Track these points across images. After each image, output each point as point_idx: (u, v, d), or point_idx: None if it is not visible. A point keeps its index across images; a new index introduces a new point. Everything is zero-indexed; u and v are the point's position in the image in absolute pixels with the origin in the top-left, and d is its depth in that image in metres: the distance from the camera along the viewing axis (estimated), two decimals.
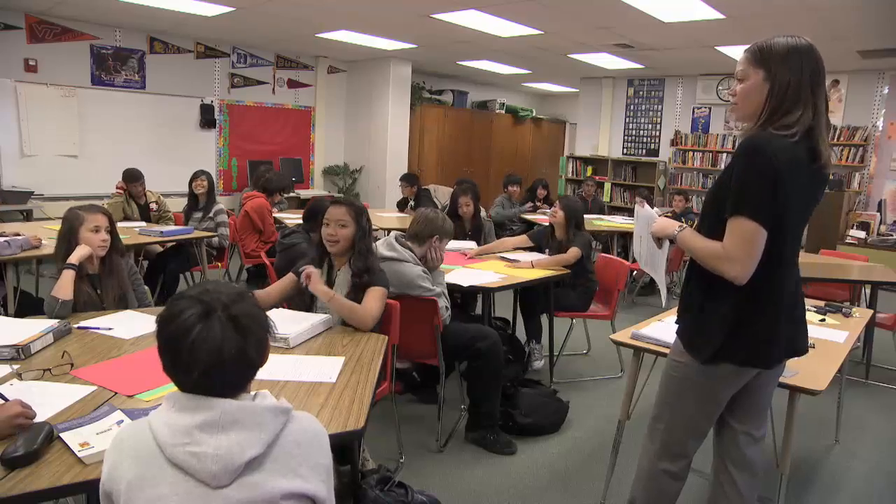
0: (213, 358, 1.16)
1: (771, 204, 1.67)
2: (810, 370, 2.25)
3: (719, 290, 1.78)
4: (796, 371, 2.20)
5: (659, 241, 2.01)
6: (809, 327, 2.83)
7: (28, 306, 3.75)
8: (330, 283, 2.78)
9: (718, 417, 2.05)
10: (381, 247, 3.21)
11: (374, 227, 6.04)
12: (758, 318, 1.79)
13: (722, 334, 1.80)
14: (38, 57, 7.04)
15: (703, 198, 9.23)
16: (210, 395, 1.17)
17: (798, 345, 1.93)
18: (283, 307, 2.86)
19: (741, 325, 1.79)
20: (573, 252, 4.17)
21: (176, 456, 1.13)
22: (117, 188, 5.65)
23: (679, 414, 2.00)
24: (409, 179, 7.23)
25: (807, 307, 3.15)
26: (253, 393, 1.24)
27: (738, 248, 1.70)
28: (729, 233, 1.72)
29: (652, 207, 7.20)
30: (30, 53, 7.00)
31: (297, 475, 1.20)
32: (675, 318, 2.78)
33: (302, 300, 2.80)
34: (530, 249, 4.53)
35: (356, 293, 2.69)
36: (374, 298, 2.66)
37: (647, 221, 2.07)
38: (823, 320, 3.12)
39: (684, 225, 1.91)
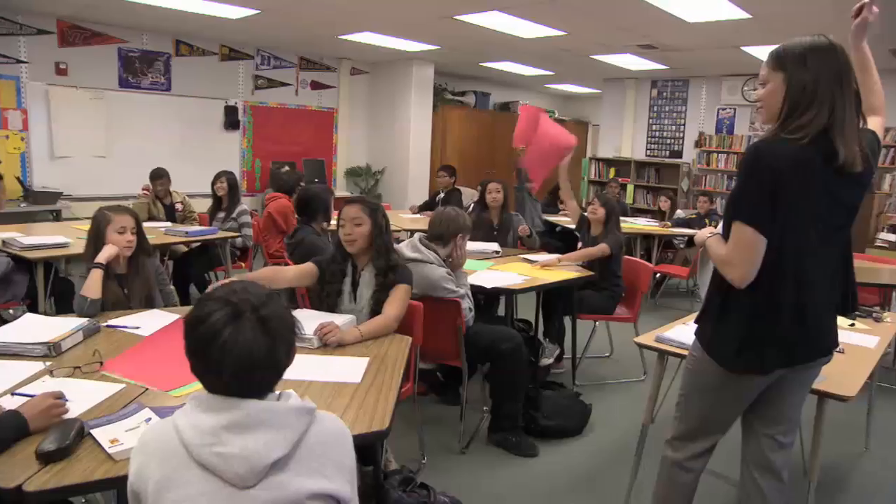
0: (243, 360, 1.16)
1: (768, 209, 1.69)
2: (839, 376, 2.21)
3: (735, 295, 1.80)
4: (824, 377, 2.17)
5: (701, 249, 2.07)
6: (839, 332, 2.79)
7: (66, 293, 3.91)
8: (355, 283, 2.78)
9: (745, 420, 2.05)
10: (405, 248, 3.21)
11: (396, 228, 6.07)
12: (764, 324, 1.80)
13: (736, 340, 1.82)
14: (68, 60, 7.18)
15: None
16: (239, 397, 1.18)
17: (814, 352, 1.92)
18: (306, 306, 2.88)
19: (754, 331, 1.80)
20: (601, 247, 4.16)
21: (202, 456, 1.14)
22: (143, 189, 5.73)
23: (693, 407, 2.05)
24: (449, 170, 7.21)
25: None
26: (278, 393, 1.25)
27: (736, 253, 1.75)
28: (730, 238, 1.77)
29: (675, 210, 7.11)
30: (60, 57, 7.14)
31: (322, 475, 1.21)
32: None
33: (325, 302, 2.80)
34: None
35: (382, 292, 2.70)
36: (396, 299, 2.66)
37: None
38: (853, 325, 3.07)
39: (717, 232, 1.92)
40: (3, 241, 4.05)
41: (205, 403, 1.18)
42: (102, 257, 2.71)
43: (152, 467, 1.17)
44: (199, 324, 1.19)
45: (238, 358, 1.16)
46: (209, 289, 1.59)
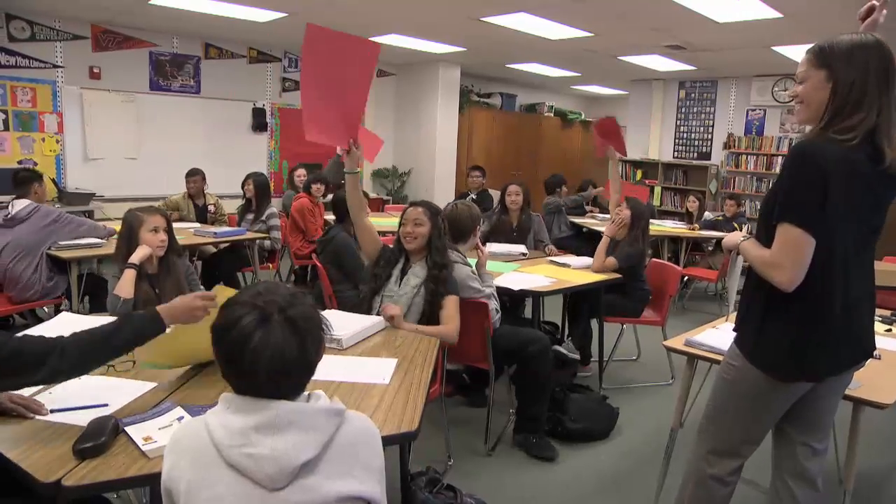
0: (276, 363, 1.17)
1: (818, 211, 1.64)
2: (876, 382, 2.16)
3: (779, 300, 1.75)
4: (860, 383, 2.12)
5: (730, 253, 2.01)
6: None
7: (97, 290, 4.03)
8: (404, 272, 2.94)
9: (777, 427, 2.00)
10: None
11: None
12: (815, 328, 1.75)
13: (785, 346, 1.77)
14: (101, 64, 7.32)
15: (756, 202, 8.95)
16: (271, 398, 1.18)
17: (858, 354, 1.88)
18: (333, 307, 2.91)
19: (804, 336, 1.75)
20: (610, 262, 4.06)
21: (232, 457, 1.14)
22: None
23: (729, 417, 1.97)
24: (482, 171, 7.30)
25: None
26: (307, 394, 1.25)
27: (784, 255, 1.69)
28: (776, 239, 1.71)
29: (703, 211, 7.02)
30: (94, 61, 7.28)
31: (352, 476, 1.21)
32: (729, 325, 2.73)
33: (375, 282, 2.95)
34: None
35: (433, 284, 2.85)
36: (453, 310, 2.86)
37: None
38: (890, 330, 3.00)
39: (748, 235, 1.88)
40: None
41: (235, 404, 1.18)
42: (136, 258, 2.75)
43: (184, 467, 1.17)
44: (228, 329, 1.19)
45: (271, 361, 1.16)
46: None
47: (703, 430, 2.06)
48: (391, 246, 3.06)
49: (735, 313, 2.00)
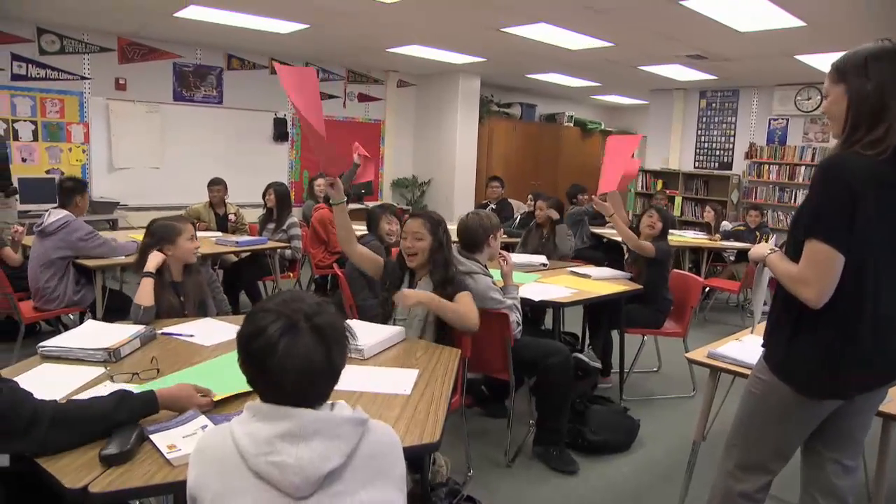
0: (302, 370, 1.18)
1: (847, 227, 1.62)
2: None
3: (809, 315, 1.72)
4: (891, 397, 2.08)
5: (756, 265, 1.98)
6: None
7: (117, 306, 4.00)
8: (412, 288, 2.81)
9: (807, 444, 1.96)
10: None
11: None
12: (846, 345, 1.71)
13: (815, 363, 1.74)
14: (126, 76, 7.46)
15: (778, 213, 8.86)
16: (296, 406, 1.18)
17: (892, 371, 1.82)
18: (355, 317, 2.91)
19: (835, 353, 1.72)
20: (650, 246, 4.12)
21: (258, 466, 1.14)
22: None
23: (757, 432, 1.93)
24: (501, 182, 7.48)
25: None
26: (330, 403, 1.25)
27: (811, 272, 1.67)
28: (803, 255, 1.70)
29: (721, 221, 6.95)
30: (120, 73, 7.42)
31: (374, 486, 1.21)
32: (754, 338, 2.70)
33: (383, 306, 2.86)
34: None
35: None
36: (469, 301, 2.71)
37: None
38: None
39: (776, 248, 1.86)
40: None
41: (261, 412, 1.19)
42: (151, 266, 2.78)
43: (211, 476, 1.18)
44: (255, 337, 1.19)
45: (297, 368, 1.17)
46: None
47: (731, 445, 2.02)
48: (393, 261, 2.96)
49: (762, 326, 1.97)
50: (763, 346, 1.92)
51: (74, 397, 1.83)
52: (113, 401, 1.64)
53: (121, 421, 1.61)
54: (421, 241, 2.77)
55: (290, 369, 1.17)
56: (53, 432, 1.50)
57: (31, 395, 1.57)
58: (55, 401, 1.60)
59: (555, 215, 5.06)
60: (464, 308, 2.67)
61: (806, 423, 1.87)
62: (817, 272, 1.67)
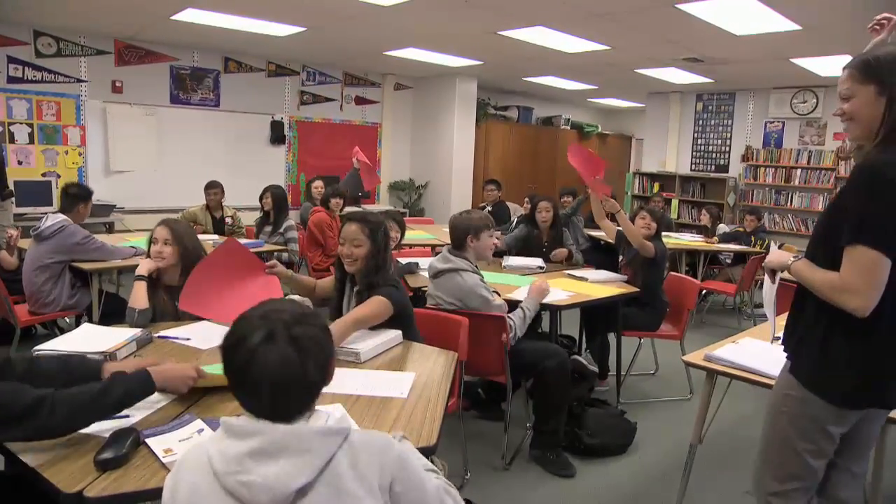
0: (278, 382, 1.16)
1: (894, 231, 1.57)
2: None
3: (846, 324, 1.64)
4: None
5: (773, 273, 1.89)
6: None
7: (114, 309, 3.97)
8: (360, 303, 2.64)
9: None
10: (437, 261, 3.27)
11: (439, 242, 6.07)
12: (890, 353, 1.66)
13: (854, 374, 1.68)
14: (123, 79, 7.45)
15: (774, 215, 8.84)
16: (271, 417, 1.17)
17: None
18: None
19: (877, 363, 1.67)
20: (649, 245, 4.11)
21: (228, 485, 1.13)
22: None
23: (792, 452, 1.82)
24: (497, 184, 7.48)
25: None
26: (310, 413, 1.23)
27: (858, 279, 1.59)
28: (847, 262, 1.61)
29: (717, 224, 6.91)
30: (117, 76, 7.41)
31: (351, 496, 1.16)
32: (750, 340, 2.70)
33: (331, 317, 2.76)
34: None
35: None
36: (364, 306, 2.53)
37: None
38: None
39: (799, 255, 1.78)
40: None
41: (232, 430, 1.18)
42: (142, 269, 2.79)
43: (184, 493, 1.18)
44: (236, 347, 1.19)
45: (272, 380, 1.16)
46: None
47: (762, 474, 1.91)
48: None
49: (776, 337, 1.88)
50: (788, 358, 1.83)
51: None
52: (107, 382, 1.65)
53: (116, 401, 1.61)
54: (359, 247, 2.61)
55: (265, 380, 1.16)
56: (53, 417, 1.50)
57: (27, 387, 1.57)
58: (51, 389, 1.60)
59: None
60: (362, 311, 2.51)
61: (837, 434, 1.80)
62: (866, 279, 1.59)
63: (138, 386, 1.69)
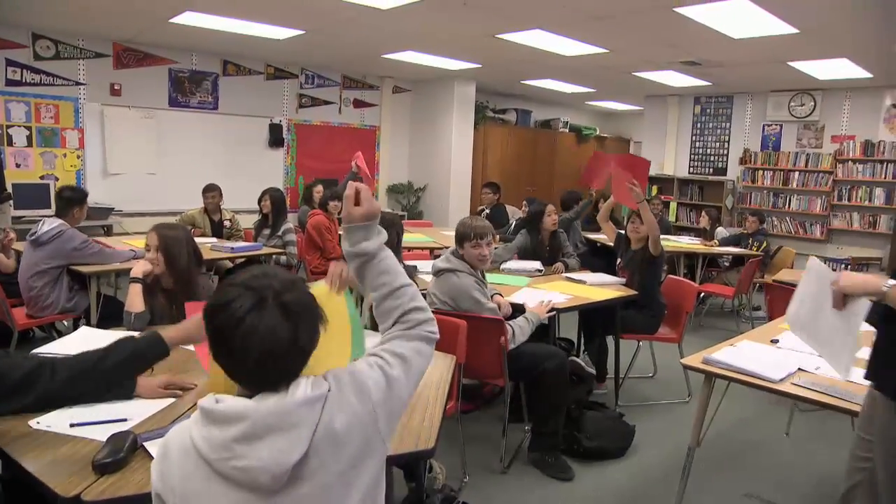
0: (266, 351, 1.14)
1: None
2: None
3: None
4: None
5: (843, 299, 1.71)
6: None
7: (112, 312, 3.96)
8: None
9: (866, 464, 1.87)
10: (439, 261, 3.34)
11: (438, 245, 6.06)
12: None
13: None
14: (122, 81, 7.45)
15: (773, 218, 8.79)
16: (257, 387, 1.17)
17: None
18: None
19: None
20: (657, 239, 4.12)
21: (223, 471, 1.13)
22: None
23: None
24: (493, 187, 7.48)
25: None
26: (295, 382, 1.20)
27: None
28: None
29: (716, 226, 6.87)
30: (115, 78, 7.41)
31: (349, 452, 1.19)
32: (748, 342, 2.71)
33: None
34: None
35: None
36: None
37: (821, 279, 1.82)
38: None
39: (894, 281, 1.66)
40: None
41: (212, 415, 1.16)
42: (137, 272, 2.79)
43: (175, 478, 1.17)
44: (220, 311, 1.16)
45: (260, 348, 1.14)
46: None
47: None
48: None
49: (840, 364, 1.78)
50: (873, 381, 1.76)
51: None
52: (112, 343, 1.61)
53: (121, 361, 1.58)
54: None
55: (253, 348, 1.13)
56: (54, 381, 1.48)
57: (26, 356, 1.56)
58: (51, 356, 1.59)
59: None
60: None
61: None
62: None
63: (146, 346, 1.65)
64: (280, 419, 1.14)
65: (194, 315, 1.76)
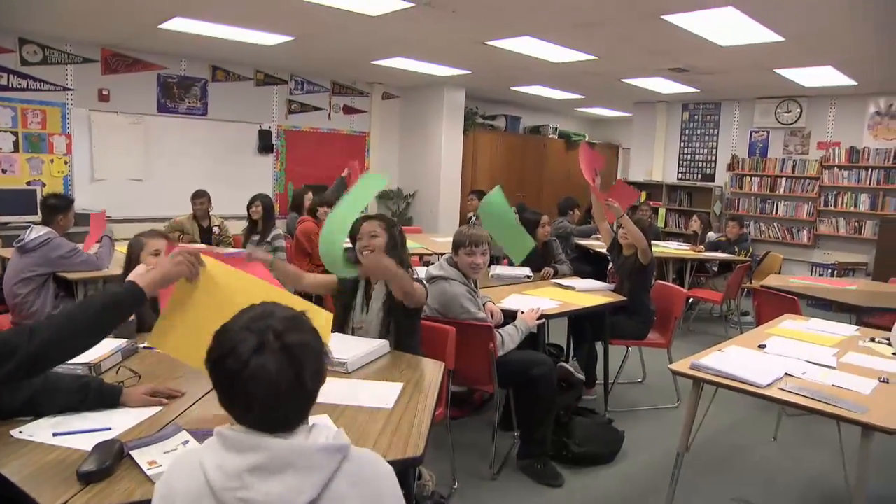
0: (270, 393, 1.12)
1: None
2: (886, 406, 2.15)
3: None
4: (867, 408, 2.11)
5: None
6: (881, 361, 2.72)
7: None
8: (367, 296, 2.81)
9: None
10: (433, 268, 3.35)
11: (427, 251, 6.07)
12: None
13: None
14: (110, 87, 7.41)
15: (760, 224, 8.87)
16: (270, 430, 1.14)
17: None
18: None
19: None
20: (645, 246, 4.14)
21: (226, 501, 1.10)
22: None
23: None
24: (479, 195, 7.43)
25: (878, 339, 3.03)
26: (310, 425, 1.20)
27: None
28: None
29: (707, 231, 6.93)
30: (103, 84, 7.36)
31: None
32: (736, 348, 2.72)
33: (339, 315, 2.79)
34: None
35: (391, 302, 2.72)
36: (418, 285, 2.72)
37: None
38: None
39: None
40: None
41: (230, 441, 1.14)
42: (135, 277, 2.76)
43: (178, 502, 1.14)
44: (224, 357, 1.14)
45: (265, 391, 1.12)
46: None
47: None
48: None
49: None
50: None
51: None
52: (90, 296, 1.61)
53: (101, 307, 1.57)
54: (376, 238, 2.77)
55: (257, 393, 1.12)
56: (33, 341, 1.46)
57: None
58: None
59: None
60: (418, 287, 2.70)
61: None
62: None
63: (123, 292, 1.63)
64: (300, 458, 1.12)
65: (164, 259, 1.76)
